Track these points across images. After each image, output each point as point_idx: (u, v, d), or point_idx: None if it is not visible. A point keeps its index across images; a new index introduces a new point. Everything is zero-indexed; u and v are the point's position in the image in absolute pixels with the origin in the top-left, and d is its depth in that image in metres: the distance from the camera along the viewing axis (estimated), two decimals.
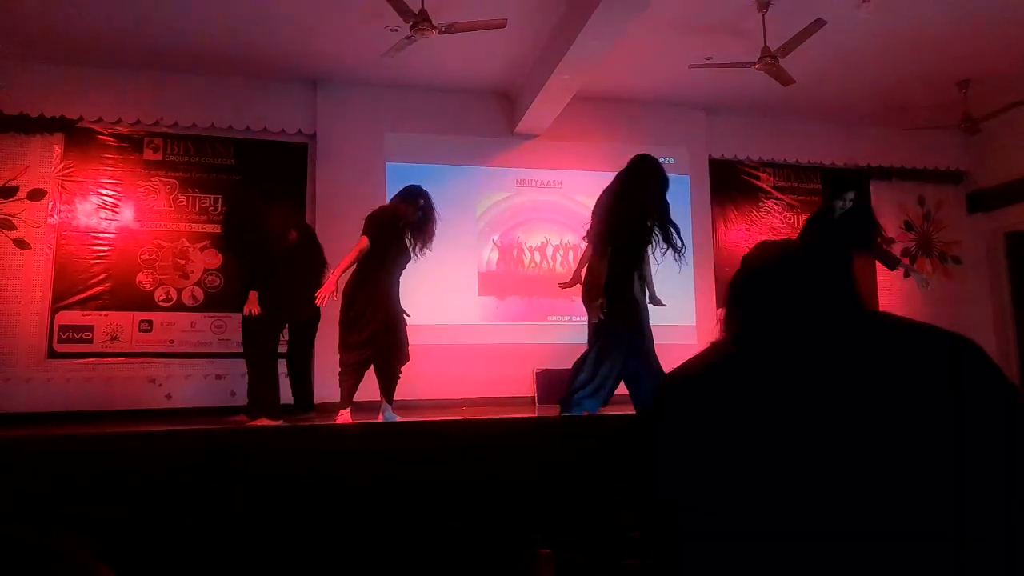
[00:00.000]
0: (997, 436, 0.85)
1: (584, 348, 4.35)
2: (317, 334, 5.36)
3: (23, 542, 0.75)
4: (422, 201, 4.64)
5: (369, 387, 4.71)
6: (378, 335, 4.47)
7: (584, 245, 4.55)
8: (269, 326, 4.97)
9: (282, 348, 5.31)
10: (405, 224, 4.61)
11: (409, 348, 4.65)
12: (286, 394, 5.24)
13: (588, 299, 4.27)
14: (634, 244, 4.25)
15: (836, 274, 1.07)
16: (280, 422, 4.65)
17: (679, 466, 0.96)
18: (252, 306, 4.86)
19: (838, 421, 0.88)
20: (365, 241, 4.45)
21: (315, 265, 5.31)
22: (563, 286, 4.73)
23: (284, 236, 5.24)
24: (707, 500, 0.91)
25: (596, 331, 4.27)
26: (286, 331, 5.29)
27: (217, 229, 6.25)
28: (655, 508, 0.98)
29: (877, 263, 7.52)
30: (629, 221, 4.20)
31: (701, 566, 0.92)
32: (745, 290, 1.14)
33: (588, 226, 4.41)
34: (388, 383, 4.64)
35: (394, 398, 4.67)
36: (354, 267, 4.51)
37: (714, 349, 1.11)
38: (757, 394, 0.94)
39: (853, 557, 0.83)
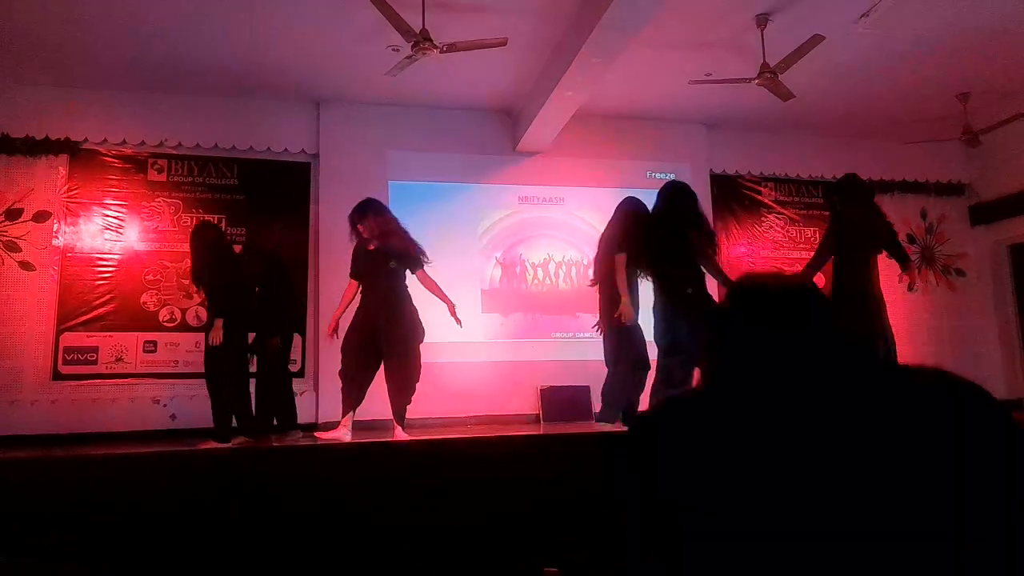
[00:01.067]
0: (998, 476, 0.86)
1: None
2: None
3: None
4: (356, 215, 4.77)
5: (375, 407, 4.70)
6: (350, 347, 4.64)
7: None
8: (235, 350, 4.88)
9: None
10: (369, 242, 4.76)
11: (418, 364, 4.67)
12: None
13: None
14: (660, 256, 4.23)
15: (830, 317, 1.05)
16: (228, 444, 4.60)
17: (679, 485, 0.96)
18: (216, 335, 4.71)
19: (836, 455, 0.89)
20: (351, 282, 4.85)
21: (283, 289, 5.40)
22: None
23: (252, 260, 5.31)
24: (703, 526, 0.92)
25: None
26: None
27: None
28: (652, 513, 0.99)
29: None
30: (661, 236, 4.20)
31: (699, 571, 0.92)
32: (746, 335, 1.08)
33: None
34: (393, 399, 4.61)
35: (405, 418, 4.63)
36: None
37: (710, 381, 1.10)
38: (758, 425, 0.95)
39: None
